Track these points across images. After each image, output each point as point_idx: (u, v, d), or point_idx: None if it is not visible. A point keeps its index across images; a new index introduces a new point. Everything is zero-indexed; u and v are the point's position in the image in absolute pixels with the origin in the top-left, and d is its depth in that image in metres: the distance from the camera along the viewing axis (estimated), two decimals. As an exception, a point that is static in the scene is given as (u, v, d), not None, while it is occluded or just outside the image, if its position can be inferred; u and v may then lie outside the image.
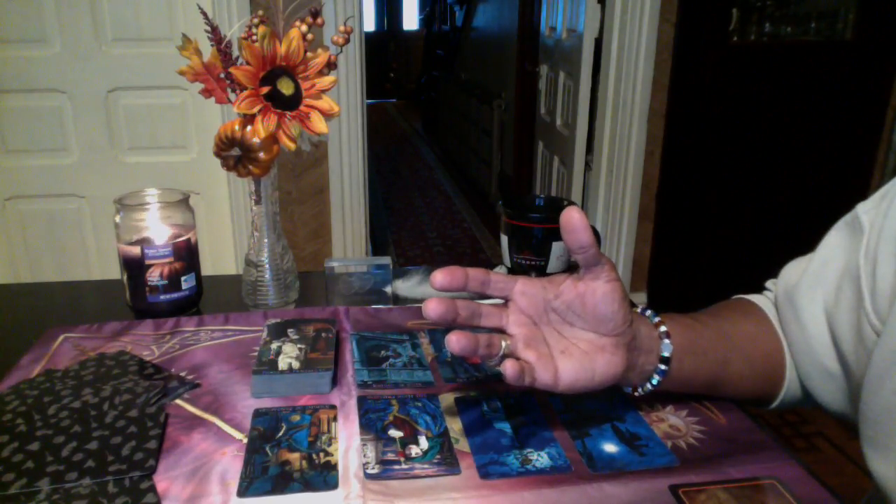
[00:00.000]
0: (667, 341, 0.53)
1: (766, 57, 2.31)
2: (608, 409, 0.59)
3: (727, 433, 0.56)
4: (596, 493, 0.48)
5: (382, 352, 0.68)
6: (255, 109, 0.66)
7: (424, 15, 8.93)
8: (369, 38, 2.75)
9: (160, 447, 0.52)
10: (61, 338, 0.70)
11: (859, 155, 2.40)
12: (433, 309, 0.47)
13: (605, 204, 2.56)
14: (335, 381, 0.62)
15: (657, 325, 0.54)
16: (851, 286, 0.51)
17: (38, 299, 0.87)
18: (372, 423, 0.56)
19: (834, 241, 0.56)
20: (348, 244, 2.36)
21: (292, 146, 0.68)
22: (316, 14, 0.70)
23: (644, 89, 2.36)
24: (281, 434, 0.54)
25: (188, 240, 0.77)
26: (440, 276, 0.48)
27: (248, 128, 0.68)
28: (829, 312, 0.54)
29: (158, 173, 2.14)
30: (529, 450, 0.53)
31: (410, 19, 9.94)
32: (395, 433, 0.54)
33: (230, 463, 0.50)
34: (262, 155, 0.70)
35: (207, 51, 0.70)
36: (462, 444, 0.53)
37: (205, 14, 0.71)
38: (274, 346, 0.65)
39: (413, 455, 0.52)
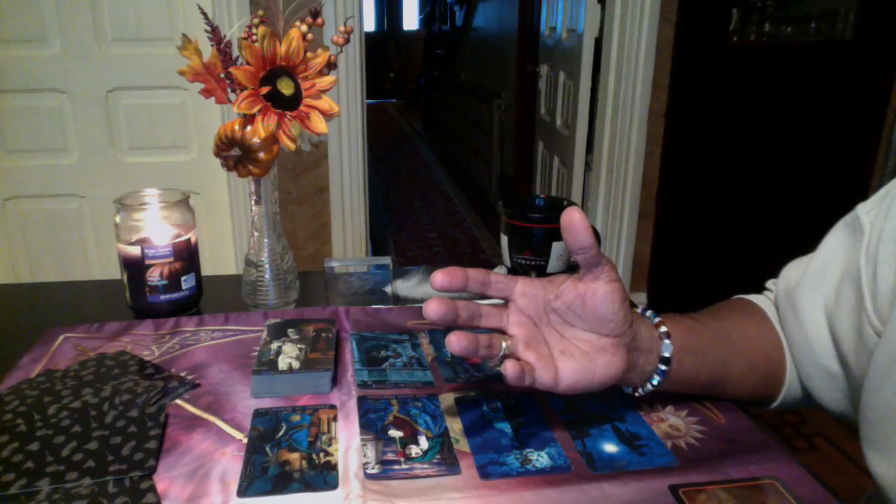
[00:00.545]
0: (667, 342, 0.53)
1: (766, 57, 2.31)
2: (608, 409, 0.59)
3: (727, 433, 0.56)
4: (596, 493, 0.48)
5: (382, 352, 0.68)
6: (255, 109, 0.66)
7: (424, 15, 8.94)
8: (369, 38, 2.75)
9: (160, 447, 0.52)
10: (61, 338, 0.70)
11: (859, 155, 2.40)
12: (433, 309, 0.47)
13: (605, 204, 2.56)
14: (335, 381, 0.62)
15: (657, 326, 0.54)
16: (852, 287, 0.51)
17: (38, 299, 0.87)
18: (372, 423, 0.56)
19: (834, 241, 0.56)
20: (348, 244, 2.36)
21: (292, 146, 0.68)
22: (316, 14, 0.70)
23: (644, 89, 2.36)
24: (281, 434, 0.54)
25: (188, 240, 0.77)
26: (440, 276, 0.48)
27: (248, 128, 0.68)
28: (829, 313, 0.54)
29: (158, 173, 2.14)
30: (529, 450, 0.53)
31: (410, 19, 9.95)
32: (395, 433, 0.54)
33: (230, 463, 0.50)
34: (262, 155, 0.70)
35: (207, 51, 0.70)
36: (462, 445, 0.53)
37: (205, 14, 0.71)
38: (274, 346, 0.65)
39: (413, 455, 0.52)
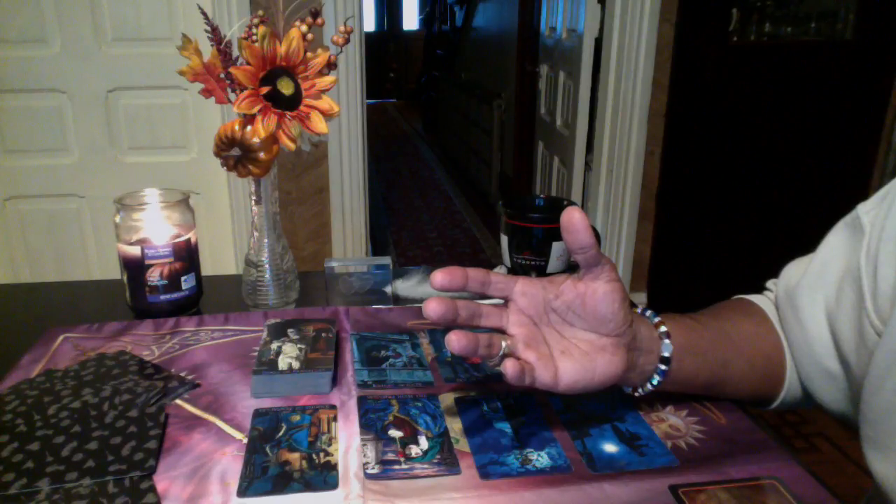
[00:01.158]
0: (667, 342, 0.53)
1: (766, 57, 2.30)
2: (608, 409, 0.59)
3: (727, 433, 0.56)
4: (596, 493, 0.48)
5: (382, 352, 0.68)
6: (255, 109, 0.66)
7: (424, 15, 8.94)
8: (369, 38, 2.75)
9: (160, 447, 0.52)
10: (61, 338, 0.70)
11: (859, 155, 2.40)
12: (433, 309, 0.47)
13: (605, 204, 2.56)
14: (335, 381, 0.62)
15: (657, 326, 0.54)
16: (852, 287, 0.51)
17: (38, 299, 0.87)
18: (372, 423, 0.56)
19: (835, 241, 0.56)
20: (348, 244, 2.36)
21: (292, 146, 0.68)
22: (316, 14, 0.70)
23: (644, 89, 2.36)
24: (281, 434, 0.54)
25: (188, 240, 0.77)
26: (440, 276, 0.48)
27: (248, 128, 0.68)
28: (829, 313, 0.54)
29: (158, 173, 2.14)
30: (529, 450, 0.53)
31: (410, 19, 9.95)
32: (395, 433, 0.54)
33: (230, 463, 0.50)
34: (262, 155, 0.70)
35: (207, 51, 0.70)
36: (462, 444, 0.53)
37: (205, 14, 0.71)
38: (274, 346, 0.64)
39: (413, 455, 0.52)
